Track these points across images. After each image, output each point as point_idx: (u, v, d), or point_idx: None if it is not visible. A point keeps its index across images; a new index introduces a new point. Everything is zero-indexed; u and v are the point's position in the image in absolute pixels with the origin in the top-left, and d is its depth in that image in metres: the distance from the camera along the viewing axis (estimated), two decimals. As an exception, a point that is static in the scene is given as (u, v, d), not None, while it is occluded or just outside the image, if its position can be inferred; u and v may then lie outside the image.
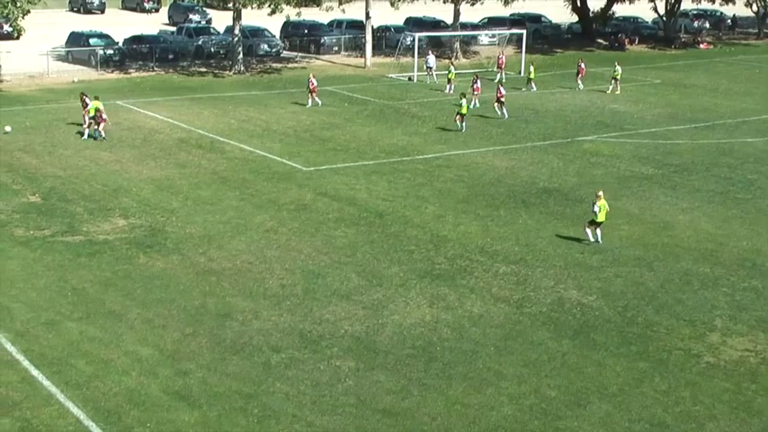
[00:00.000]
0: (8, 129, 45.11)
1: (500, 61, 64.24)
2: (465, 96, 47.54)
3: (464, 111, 47.00)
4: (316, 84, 53.50)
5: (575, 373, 22.17)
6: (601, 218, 30.49)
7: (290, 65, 69.32)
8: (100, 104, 44.44)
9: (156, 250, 29.52)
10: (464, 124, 47.05)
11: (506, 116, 50.46)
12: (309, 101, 53.33)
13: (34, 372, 21.50)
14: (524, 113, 52.71)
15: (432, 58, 63.86)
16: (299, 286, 26.88)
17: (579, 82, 61.60)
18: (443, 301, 26.07)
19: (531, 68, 61.43)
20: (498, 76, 62.94)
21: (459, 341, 23.67)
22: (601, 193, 30.85)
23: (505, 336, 24.07)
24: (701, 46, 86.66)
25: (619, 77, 59.97)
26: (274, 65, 69.01)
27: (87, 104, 44.19)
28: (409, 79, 63.65)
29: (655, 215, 34.57)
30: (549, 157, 42.79)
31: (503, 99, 50.82)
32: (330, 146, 44.17)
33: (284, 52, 73.51)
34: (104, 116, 43.89)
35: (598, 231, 30.84)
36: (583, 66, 62.29)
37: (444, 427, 19.76)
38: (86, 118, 44.09)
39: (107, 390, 20.80)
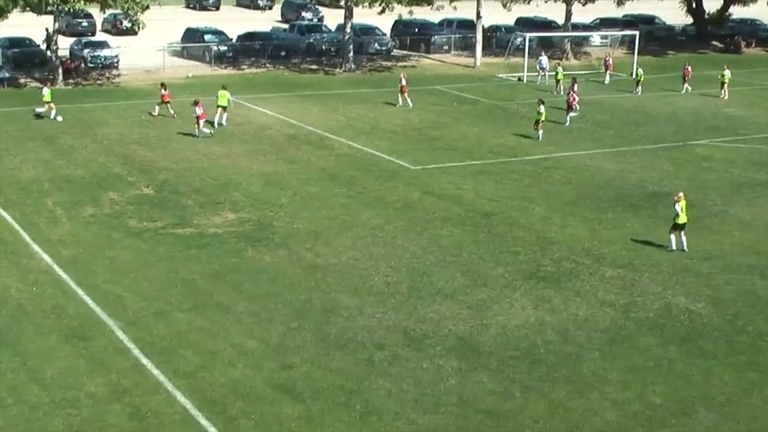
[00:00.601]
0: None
1: (607, 63, 63.40)
2: (543, 103, 45.52)
3: (542, 118, 44.92)
4: (405, 83, 52.93)
5: (681, 381, 21.74)
6: (683, 219, 29.82)
7: (400, 63, 69.46)
8: (226, 94, 46.01)
9: (264, 244, 29.87)
10: (541, 132, 45.17)
11: (567, 123, 48.63)
12: (400, 100, 53.02)
13: (144, 360, 21.96)
14: (635, 116, 51.87)
15: (544, 59, 63.29)
16: (404, 284, 26.92)
17: (687, 85, 60.42)
18: (548, 304, 25.83)
19: (640, 71, 60.50)
20: (606, 77, 62.13)
21: (564, 344, 23.42)
22: (681, 194, 30.33)
23: (610, 340, 23.73)
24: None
25: (727, 82, 58.56)
26: (384, 63, 69.24)
27: (197, 109, 43.95)
28: (519, 80, 63.22)
29: (767, 222, 33.70)
30: (660, 161, 42.05)
31: (574, 104, 49.66)
32: (438, 145, 44.14)
33: (395, 51, 73.70)
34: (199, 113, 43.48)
35: (683, 238, 30.06)
36: (689, 69, 61.06)
37: (546, 431, 19.57)
38: (200, 121, 43.97)
39: (213, 380, 21.12)
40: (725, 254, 30.18)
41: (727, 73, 59.06)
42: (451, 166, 40.27)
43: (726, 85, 58.56)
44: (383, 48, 72.88)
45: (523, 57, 64.71)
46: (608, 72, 63.01)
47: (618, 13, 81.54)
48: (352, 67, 65.95)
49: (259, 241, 30.15)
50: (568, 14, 72.95)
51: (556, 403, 20.61)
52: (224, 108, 46.24)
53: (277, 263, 28.36)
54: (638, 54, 67.93)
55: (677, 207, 29.82)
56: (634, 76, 61.79)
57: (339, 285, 26.74)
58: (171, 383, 20.90)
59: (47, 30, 58.60)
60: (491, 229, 31.92)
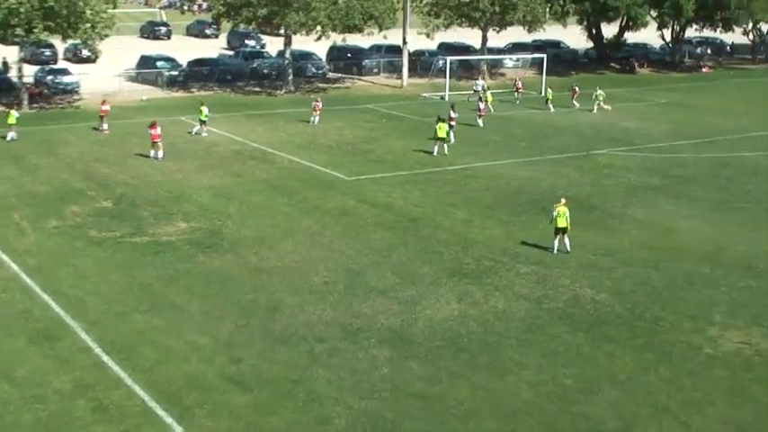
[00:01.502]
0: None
1: (517, 85, 63.86)
2: (443, 120, 44.77)
3: (440, 134, 43.89)
4: (320, 105, 53.22)
5: (588, 363, 21.98)
6: (560, 223, 29.47)
7: (334, 85, 69.34)
8: (205, 110, 47.80)
9: (214, 250, 29.60)
10: (436, 147, 44.13)
11: (452, 140, 46.37)
12: (315, 120, 52.42)
13: (105, 358, 21.62)
14: (544, 129, 52.37)
15: (480, 83, 63.47)
16: (340, 283, 26.84)
17: (575, 102, 61.34)
18: (470, 298, 25.93)
19: (549, 90, 61.15)
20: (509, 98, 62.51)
21: (485, 334, 23.53)
22: (563, 200, 30.14)
23: (526, 329, 23.90)
24: (703, 70, 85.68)
25: (600, 99, 59.58)
26: (321, 85, 68.99)
27: (153, 131, 43.26)
28: (441, 98, 63.36)
29: (660, 221, 34.23)
30: (567, 169, 42.49)
31: (453, 123, 47.50)
32: (370, 158, 44.12)
33: (330, 73, 73.54)
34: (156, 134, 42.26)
35: (566, 240, 29.56)
36: (577, 89, 62.07)
37: (470, 411, 19.64)
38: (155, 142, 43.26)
39: (169, 375, 20.86)
40: (624, 250, 30.58)
41: (601, 92, 60.04)
42: (382, 176, 40.28)
43: (600, 102, 59.50)
44: (319, 71, 72.59)
45: (445, 77, 64.99)
46: (519, 92, 63.36)
47: (528, 38, 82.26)
48: (292, 88, 65.64)
49: (209, 247, 29.87)
50: (484, 40, 73.49)
51: (478, 386, 20.69)
52: (203, 122, 47.70)
53: (226, 266, 28.11)
54: (547, 75, 68.52)
55: (553, 213, 29.79)
56: (543, 94, 62.34)
57: (282, 285, 26.58)
58: (130, 379, 20.60)
59: (4, 59, 57.90)
60: (418, 233, 31.98)
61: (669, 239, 31.96)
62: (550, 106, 59.84)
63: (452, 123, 47.09)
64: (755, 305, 25.95)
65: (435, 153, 44.22)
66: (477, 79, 65.65)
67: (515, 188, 38.75)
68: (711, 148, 48.43)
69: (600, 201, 36.87)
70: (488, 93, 58.99)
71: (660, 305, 25.78)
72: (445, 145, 44.59)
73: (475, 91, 62.63)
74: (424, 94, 65.50)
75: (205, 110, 48.22)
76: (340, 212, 34.35)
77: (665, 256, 30.11)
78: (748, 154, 47.17)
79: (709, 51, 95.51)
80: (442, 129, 44.25)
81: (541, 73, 69.27)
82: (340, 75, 73.51)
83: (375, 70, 75.36)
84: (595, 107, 59.48)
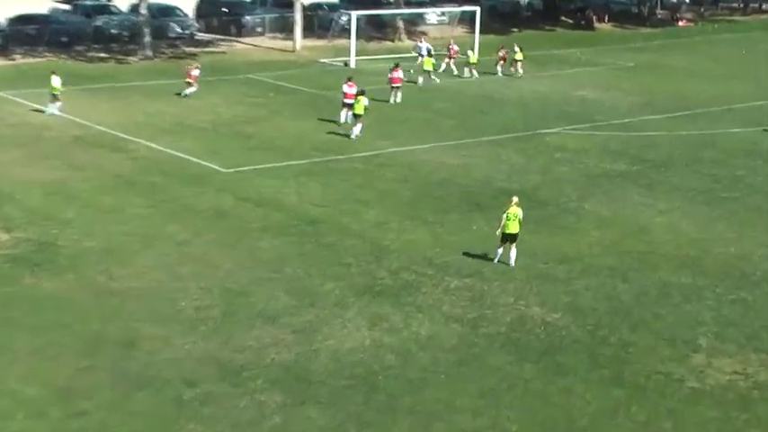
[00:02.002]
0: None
1: (452, 49, 63.78)
2: (363, 94, 45.21)
3: (358, 111, 44.73)
4: (197, 74, 53.71)
5: (539, 403, 22.12)
6: (511, 228, 29.25)
7: (207, 49, 68.94)
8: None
9: (46, 269, 29.08)
10: (354, 127, 44.99)
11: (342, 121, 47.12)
12: (188, 90, 53.27)
13: None
14: (479, 103, 52.81)
15: (424, 45, 63.26)
16: (216, 308, 26.62)
17: (499, 68, 62.16)
18: (386, 323, 25.93)
19: (471, 53, 61.80)
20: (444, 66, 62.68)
21: (405, 368, 23.53)
22: (515, 198, 30.00)
23: (459, 361, 23.97)
24: (680, 23, 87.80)
25: (520, 59, 60.59)
26: (188, 49, 68.62)
27: None
28: (345, 65, 63.61)
29: (628, 218, 34.76)
30: (508, 153, 42.91)
31: (346, 101, 47.50)
32: (254, 143, 43.97)
33: (199, 34, 73.10)
34: None
35: (513, 251, 29.50)
36: (502, 54, 62.84)
37: (388, 471, 19.61)
38: None
39: (-13, 436, 20.39)
40: (582, 255, 30.93)
41: (518, 50, 61.66)
42: (270, 167, 40.15)
43: (520, 63, 60.46)
44: (186, 31, 72.32)
45: (350, 38, 65.09)
46: (452, 58, 63.34)
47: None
48: (150, 54, 65.11)
49: (39, 265, 29.33)
50: (400, -13, 73.97)
51: (398, 438, 20.70)
52: (55, 96, 48.13)
53: (63, 290, 27.63)
54: (480, 33, 69.15)
55: (504, 215, 29.65)
56: (468, 56, 62.47)
57: (140, 313, 26.23)
58: (-66, 444, 20.07)
59: None
60: (318, 239, 31.92)
61: (640, 241, 32.45)
62: (473, 72, 60.37)
63: (345, 101, 46.82)
64: (750, 324, 26.46)
65: (353, 136, 44.65)
66: (419, 41, 65.39)
67: (442, 179, 38.94)
68: (691, 124, 49.44)
69: (551, 193, 37.28)
70: (472, 54, 59.77)
71: (630, 326, 26.12)
72: (359, 125, 44.94)
73: (420, 55, 62.43)
74: (324, 60, 65.65)
75: (56, 81, 48.28)
76: (216, 214, 34.12)
77: (635, 262, 30.55)
78: (738, 130, 48.29)
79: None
80: (360, 104, 44.67)
81: (473, 31, 69.94)
82: (213, 36, 73.30)
83: (259, 29, 75.36)
84: (520, 68, 60.34)
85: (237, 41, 72.41)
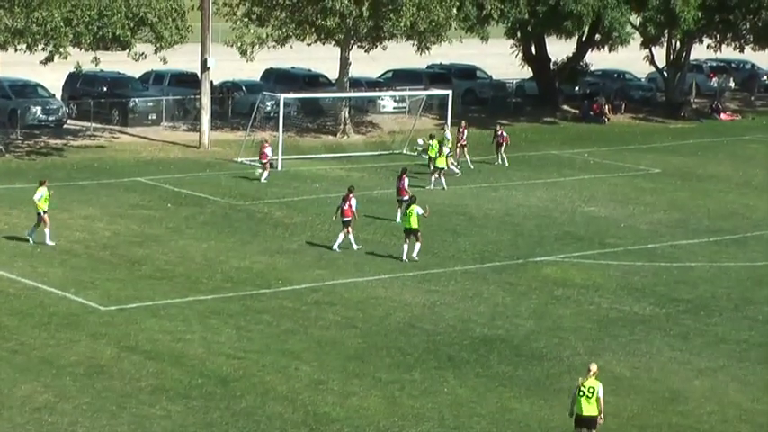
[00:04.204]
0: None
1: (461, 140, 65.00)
2: (415, 202, 46.94)
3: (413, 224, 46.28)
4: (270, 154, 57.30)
5: None
6: (586, 409, 28.87)
7: (79, 141, 68.90)
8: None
9: None
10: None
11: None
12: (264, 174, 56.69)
13: None
14: (452, 220, 53.02)
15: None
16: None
17: (503, 156, 63.02)
18: None
19: (433, 142, 62.00)
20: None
21: None
22: (594, 367, 29.16)
23: None
24: (723, 116, 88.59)
25: (446, 151, 61.46)
26: (53, 141, 68.47)
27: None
28: (271, 166, 63.74)
29: (656, 380, 34.78)
30: (491, 288, 43.00)
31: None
32: (144, 271, 43.90)
33: (69, 121, 73.09)
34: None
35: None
36: (504, 134, 63.74)
37: None
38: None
39: None
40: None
41: (447, 134, 63.03)
42: (166, 303, 40.11)
43: (450, 157, 61.42)
44: (51, 117, 72.17)
45: (277, 131, 65.40)
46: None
47: (420, 62, 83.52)
48: (1, 148, 65.06)
49: None
50: (345, 65, 74.32)
51: None
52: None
53: None
54: (453, 126, 69.44)
55: (576, 390, 29.07)
56: (415, 149, 63.21)
57: None
58: None
59: None
60: (231, 404, 31.77)
61: (672, 412, 32.41)
62: (438, 168, 60.62)
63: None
64: None
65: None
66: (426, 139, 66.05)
67: (402, 324, 39.01)
68: (740, 252, 49.71)
69: (550, 345, 37.31)
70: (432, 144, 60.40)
71: None
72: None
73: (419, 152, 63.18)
74: (241, 159, 65.70)
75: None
76: (90, 370, 33.89)
77: (667, 441, 30.63)
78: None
79: (732, 84, 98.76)
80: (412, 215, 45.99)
81: (444, 118, 70.40)
82: (88, 124, 73.13)
83: (152, 116, 75.39)
84: (449, 164, 61.12)
85: (122, 132, 72.37)
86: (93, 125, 73.18)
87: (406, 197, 51.04)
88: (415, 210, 45.92)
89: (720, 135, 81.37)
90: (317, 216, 52.37)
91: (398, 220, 50.87)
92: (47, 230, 46.51)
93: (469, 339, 37.55)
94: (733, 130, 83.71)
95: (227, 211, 53.81)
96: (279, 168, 63.44)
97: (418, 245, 46.08)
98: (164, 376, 33.65)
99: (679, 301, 42.51)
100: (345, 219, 47.62)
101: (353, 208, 47.94)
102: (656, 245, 50.39)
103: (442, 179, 60.24)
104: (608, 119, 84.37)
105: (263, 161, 59.81)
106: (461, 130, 66.24)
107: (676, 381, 34.78)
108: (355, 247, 47.19)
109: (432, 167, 60.66)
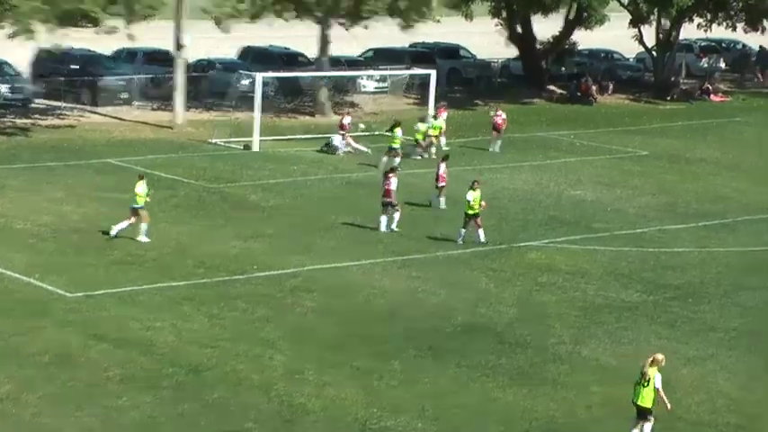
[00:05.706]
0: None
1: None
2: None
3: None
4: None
5: None
6: (643, 399, 29.53)
7: (46, 121, 68.75)
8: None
9: None
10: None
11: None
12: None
13: None
14: (433, 203, 52.92)
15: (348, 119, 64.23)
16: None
17: (497, 143, 63.13)
18: None
19: (421, 125, 62.01)
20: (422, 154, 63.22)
21: None
22: (661, 356, 30.13)
23: None
24: (713, 97, 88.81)
25: (421, 139, 61.45)
26: (20, 121, 68.32)
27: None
28: (245, 147, 63.56)
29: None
30: (474, 274, 43.00)
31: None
32: (114, 256, 43.79)
33: (37, 101, 72.90)
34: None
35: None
36: (500, 118, 63.71)
37: None
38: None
39: None
40: (579, 422, 30.98)
41: (422, 126, 62.56)
42: (137, 290, 40.00)
43: (421, 141, 61.52)
44: (17, 96, 71.99)
45: (253, 110, 65.25)
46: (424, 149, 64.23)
47: (403, 41, 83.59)
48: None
49: None
50: (324, 43, 74.22)
51: None
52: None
53: None
54: (437, 103, 69.51)
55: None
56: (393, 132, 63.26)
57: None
58: None
59: None
60: (203, 394, 31.70)
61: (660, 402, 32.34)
62: (426, 150, 60.75)
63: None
64: None
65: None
66: (423, 119, 65.60)
67: (381, 311, 38.99)
68: (730, 237, 49.79)
69: (533, 333, 37.26)
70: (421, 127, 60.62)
71: None
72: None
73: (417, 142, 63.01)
74: (215, 140, 65.57)
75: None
76: (55, 359, 33.79)
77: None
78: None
79: (722, 65, 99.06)
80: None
81: (425, 103, 70.38)
82: (56, 103, 72.95)
83: (124, 95, 75.26)
84: (432, 150, 61.48)
85: (92, 112, 72.17)
86: (62, 104, 72.93)
87: (443, 183, 52.47)
88: (469, 196, 46.66)
89: (710, 117, 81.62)
90: (295, 198, 52.11)
91: (442, 206, 52.20)
92: (143, 225, 45.79)
93: (451, 327, 37.47)
94: (723, 112, 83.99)
95: (200, 194, 53.69)
96: (255, 149, 63.23)
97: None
98: (133, 366, 33.53)
99: (667, 287, 42.56)
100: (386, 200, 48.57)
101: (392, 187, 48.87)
102: (644, 229, 50.48)
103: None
104: (595, 99, 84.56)
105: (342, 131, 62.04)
106: (440, 111, 66.02)
107: (663, 370, 34.57)
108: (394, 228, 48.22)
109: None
